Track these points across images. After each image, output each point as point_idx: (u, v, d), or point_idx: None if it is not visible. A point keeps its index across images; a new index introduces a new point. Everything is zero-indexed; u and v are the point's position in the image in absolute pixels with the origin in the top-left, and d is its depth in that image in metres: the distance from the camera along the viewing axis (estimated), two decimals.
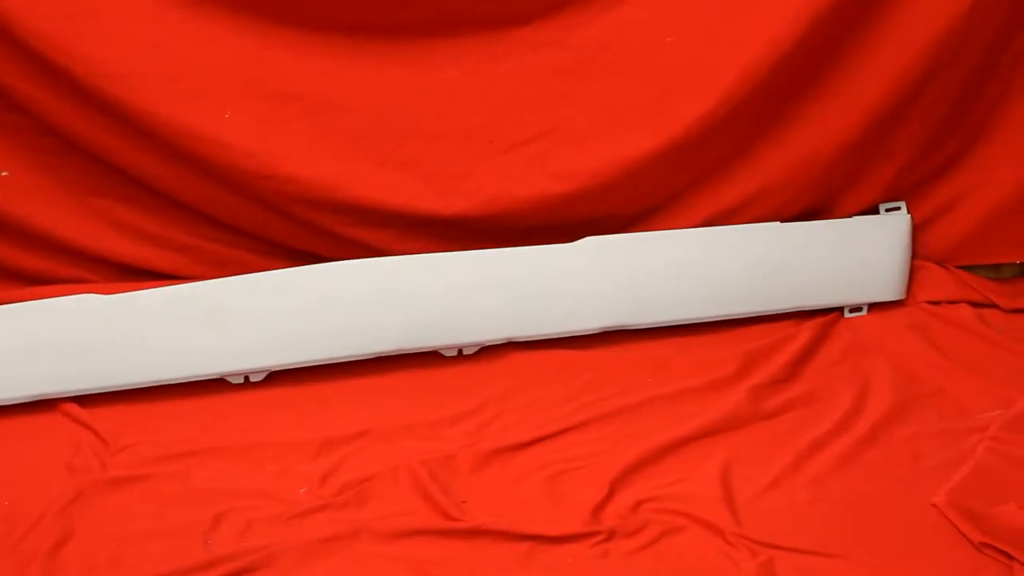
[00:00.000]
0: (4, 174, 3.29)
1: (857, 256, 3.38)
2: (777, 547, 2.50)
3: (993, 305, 3.46)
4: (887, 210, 3.47)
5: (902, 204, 3.48)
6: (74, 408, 2.99)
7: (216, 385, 3.09)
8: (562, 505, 2.66)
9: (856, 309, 3.42)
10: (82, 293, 3.05)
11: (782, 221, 3.39)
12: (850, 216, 3.47)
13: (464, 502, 2.67)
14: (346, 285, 3.11)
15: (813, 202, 3.48)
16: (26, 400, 2.98)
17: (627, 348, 3.23)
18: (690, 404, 3.00)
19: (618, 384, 3.08)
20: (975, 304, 3.46)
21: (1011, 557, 2.43)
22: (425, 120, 3.34)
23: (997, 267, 3.57)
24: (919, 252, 3.50)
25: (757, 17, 3.26)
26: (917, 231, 3.49)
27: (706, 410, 2.96)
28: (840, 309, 3.41)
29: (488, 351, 3.21)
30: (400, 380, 3.13)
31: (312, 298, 3.09)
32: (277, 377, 3.11)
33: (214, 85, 3.23)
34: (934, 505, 2.60)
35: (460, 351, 3.19)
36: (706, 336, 3.29)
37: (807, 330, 3.30)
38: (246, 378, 3.10)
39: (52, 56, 3.10)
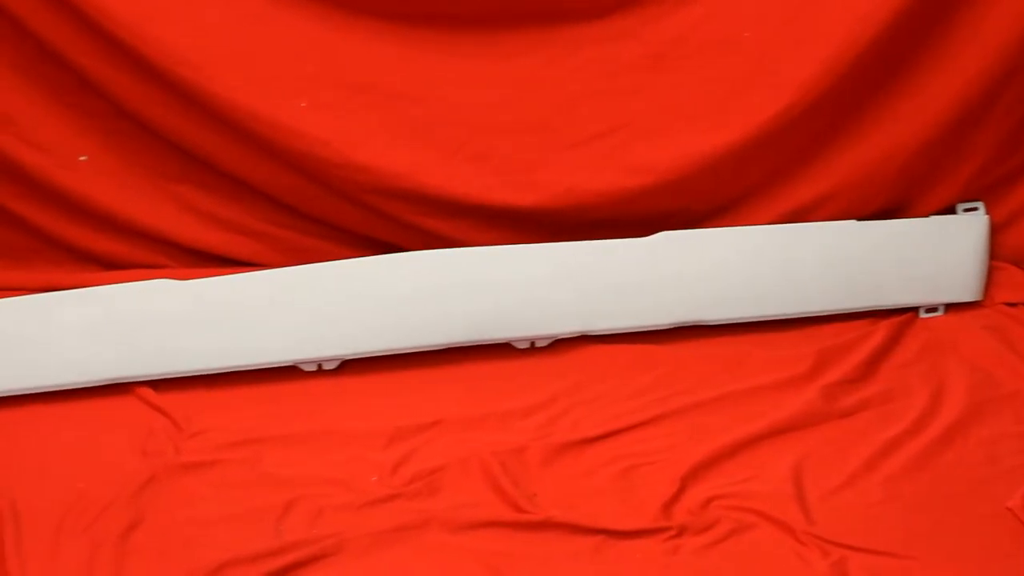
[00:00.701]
0: (83, 158, 3.31)
1: (934, 256, 3.34)
2: (849, 547, 2.49)
3: None
4: (965, 210, 3.44)
5: (980, 204, 3.45)
6: (148, 392, 3.01)
7: (289, 372, 3.09)
8: (632, 500, 2.66)
9: (932, 309, 3.39)
10: (157, 278, 3.06)
11: (858, 220, 3.37)
12: (927, 215, 3.44)
13: (534, 494, 2.67)
14: (420, 275, 3.10)
15: (890, 201, 3.46)
16: (101, 383, 3.00)
17: (700, 344, 3.21)
18: (763, 401, 2.98)
19: (691, 379, 3.07)
20: None
21: None
22: (498, 112, 3.33)
23: None
24: (997, 253, 3.46)
25: (835, 14, 3.24)
26: (995, 231, 3.45)
27: (779, 408, 2.94)
28: (916, 309, 3.38)
29: (561, 344, 3.20)
30: (472, 371, 3.13)
31: (386, 287, 3.09)
32: (350, 365, 3.12)
33: (290, 73, 3.24)
34: (1009, 509, 2.59)
35: (533, 343, 3.19)
36: (780, 333, 3.27)
37: (882, 329, 3.27)
38: (319, 366, 3.10)
39: (130, 41, 3.11)
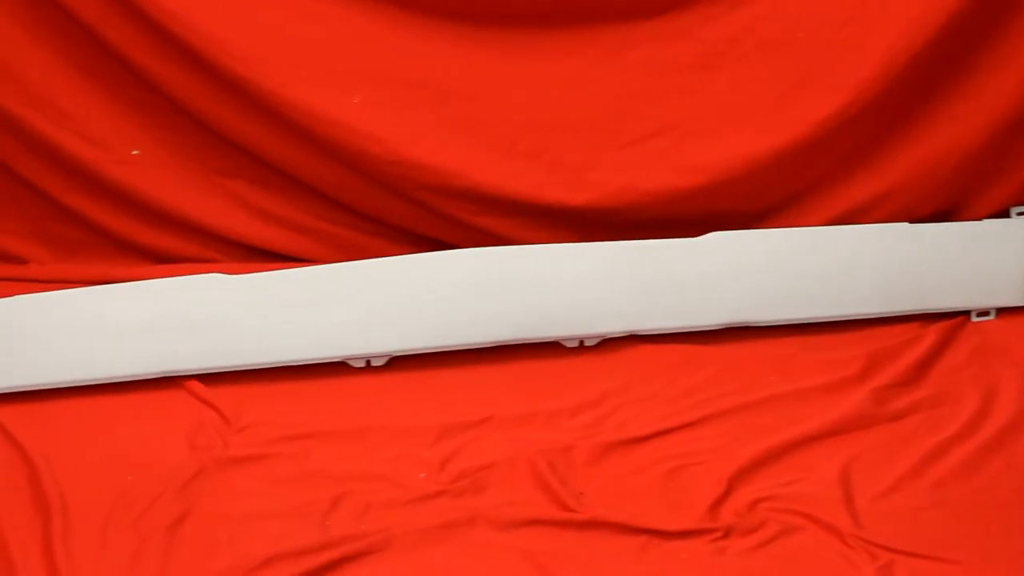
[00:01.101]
0: (135, 152, 3.33)
1: (986, 259, 3.32)
2: (896, 551, 2.49)
3: None
4: (1018, 213, 3.41)
5: None
6: (198, 386, 3.02)
7: (338, 368, 3.10)
8: (679, 500, 2.66)
9: (983, 313, 3.35)
10: (208, 272, 3.07)
11: (910, 222, 3.34)
12: (981, 218, 3.41)
13: (581, 493, 2.67)
14: (470, 273, 3.10)
15: (942, 203, 3.43)
16: (151, 376, 3.02)
17: (750, 345, 3.20)
18: (812, 403, 2.97)
19: (740, 380, 3.06)
20: None
21: None
22: (551, 110, 3.33)
23: None
24: None
25: (889, 16, 3.22)
26: None
27: (828, 410, 2.93)
28: (967, 313, 3.35)
29: (609, 343, 3.19)
30: (521, 370, 3.12)
31: (436, 284, 3.09)
32: (399, 362, 3.12)
33: (343, 69, 3.25)
34: None
35: (581, 342, 3.18)
36: (830, 336, 3.25)
37: (933, 333, 3.24)
38: (368, 362, 3.11)
39: (185, 37, 3.13)
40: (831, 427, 2.88)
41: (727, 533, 2.55)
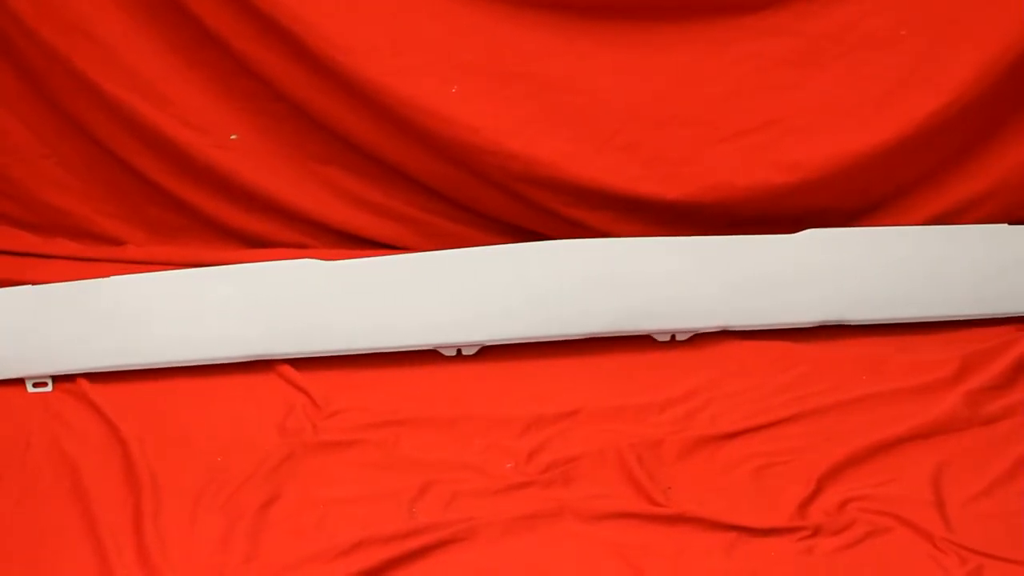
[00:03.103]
0: (233, 137, 3.36)
1: None
2: (987, 555, 2.46)
3: None
4: None
5: None
6: (289, 371, 3.04)
7: (428, 356, 3.11)
8: (768, 498, 2.64)
9: None
10: (302, 258, 3.09)
11: (1009, 223, 3.31)
12: None
13: (669, 488, 2.66)
14: (563, 264, 3.10)
15: None
16: (244, 359, 3.04)
17: (843, 344, 3.17)
18: (905, 405, 2.94)
19: (832, 379, 3.03)
20: None
21: None
22: (649, 103, 3.33)
23: None
24: None
25: (994, 14, 3.20)
26: None
27: (921, 412, 2.89)
28: None
29: (701, 338, 3.17)
30: (611, 362, 3.11)
31: (529, 275, 3.09)
32: (489, 352, 3.12)
33: (442, 59, 3.26)
34: None
35: (673, 336, 3.17)
36: (925, 336, 3.21)
37: None
38: (458, 351, 3.12)
39: (286, 24, 3.15)
40: (923, 429, 2.84)
41: (816, 532, 2.53)
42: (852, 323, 3.20)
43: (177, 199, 3.43)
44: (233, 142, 3.37)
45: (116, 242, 3.49)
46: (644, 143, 3.34)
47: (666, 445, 2.80)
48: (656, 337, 3.17)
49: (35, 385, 2.98)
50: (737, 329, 3.18)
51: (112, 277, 3.05)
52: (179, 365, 3.01)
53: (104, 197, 3.46)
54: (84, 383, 2.97)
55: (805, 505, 2.61)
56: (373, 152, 3.37)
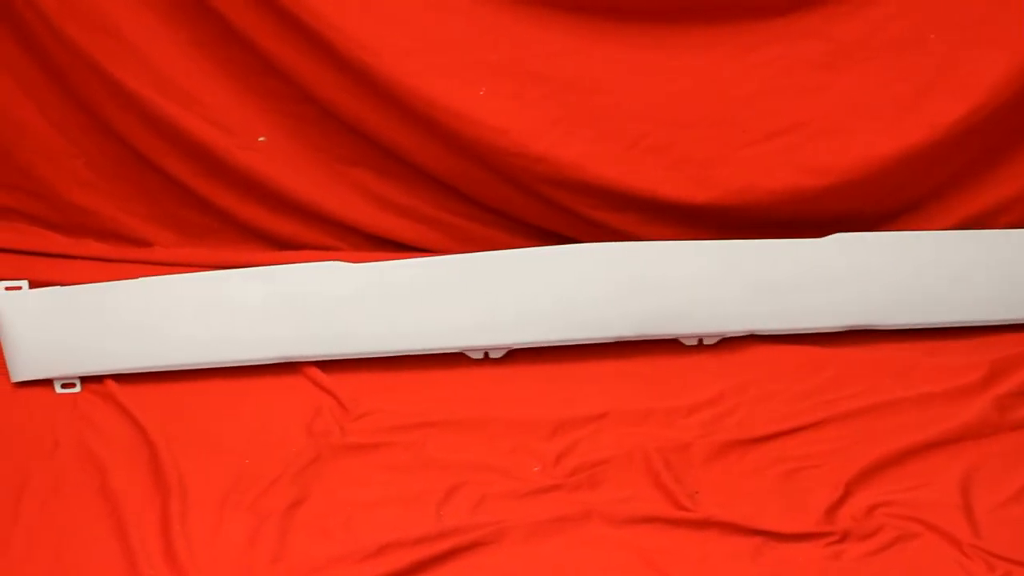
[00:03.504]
0: (261, 139, 3.36)
1: None
2: (1015, 561, 2.46)
3: None
4: None
5: None
6: (317, 372, 3.05)
7: (455, 359, 3.11)
8: (796, 502, 2.64)
9: None
10: (330, 260, 3.09)
11: None
12: None
13: (696, 492, 2.66)
14: (590, 268, 3.09)
15: None
16: (271, 361, 3.05)
17: (872, 348, 3.16)
18: (933, 409, 2.93)
19: (860, 384, 3.02)
20: None
21: None
22: (675, 106, 3.32)
23: None
24: None
25: (1022, 17, 3.18)
26: None
27: (950, 417, 2.89)
28: None
29: (729, 342, 3.17)
30: (639, 366, 3.11)
31: (556, 278, 3.08)
32: (516, 355, 3.12)
33: (469, 61, 3.26)
34: None
35: (701, 340, 3.16)
36: (954, 341, 3.20)
37: None
38: (486, 354, 3.12)
39: (313, 26, 3.15)
40: (952, 434, 2.84)
41: (843, 537, 2.53)
42: (880, 327, 3.19)
43: (205, 200, 3.43)
44: (261, 144, 3.37)
45: (144, 243, 3.49)
46: (671, 146, 3.33)
47: (693, 449, 2.80)
48: (683, 341, 3.17)
49: (63, 386, 2.99)
50: (764, 333, 3.17)
51: (140, 278, 3.06)
52: (206, 367, 3.02)
53: (132, 198, 3.46)
54: (112, 384, 2.99)
55: (833, 510, 2.61)
56: (400, 154, 3.37)
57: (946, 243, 3.24)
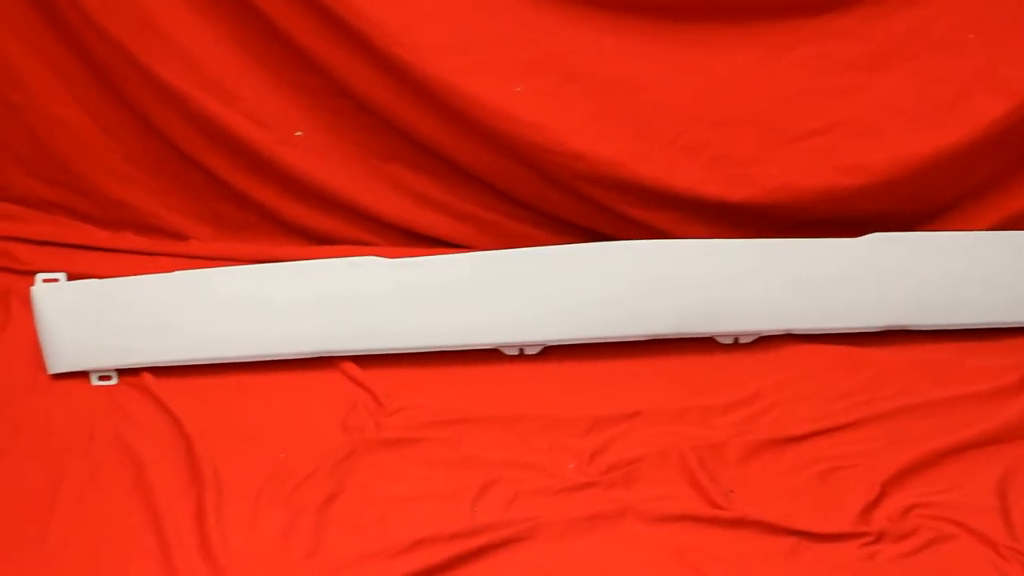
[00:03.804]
0: (298, 134, 3.37)
1: None
2: None
3: None
4: None
5: None
6: (353, 368, 3.05)
7: (491, 355, 3.11)
8: (831, 502, 2.63)
9: None
10: (366, 255, 3.09)
11: None
12: None
13: (731, 491, 2.66)
14: (626, 265, 3.09)
15: None
16: (307, 356, 3.05)
17: (908, 349, 3.15)
18: (970, 411, 2.92)
19: (897, 384, 3.01)
20: None
21: None
22: (713, 105, 3.32)
23: None
24: None
25: None
26: None
27: (986, 418, 2.87)
28: None
29: (765, 341, 3.17)
30: (674, 364, 3.11)
31: (592, 276, 3.08)
32: (552, 352, 3.12)
33: (506, 58, 3.26)
34: None
35: (736, 339, 3.16)
36: (990, 342, 3.19)
37: None
38: (521, 350, 3.12)
39: (352, 22, 3.16)
40: (989, 436, 2.82)
41: (879, 538, 2.53)
42: (917, 328, 3.18)
43: (242, 195, 3.45)
44: (298, 139, 3.38)
45: (181, 237, 3.51)
46: (708, 144, 3.33)
47: (728, 448, 2.80)
48: (719, 339, 3.16)
49: (100, 378, 3.00)
50: (800, 332, 3.16)
51: (177, 272, 3.07)
52: (243, 361, 3.03)
53: (170, 192, 3.48)
54: (148, 377, 3.00)
55: (868, 511, 2.60)
56: (437, 150, 3.38)
57: (984, 244, 3.22)
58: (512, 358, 3.12)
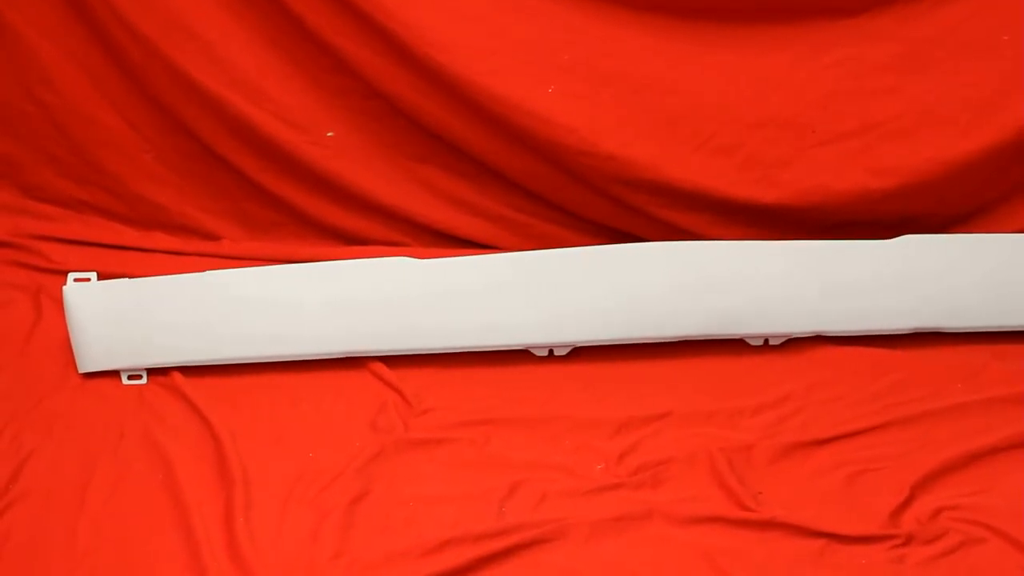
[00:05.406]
0: (330, 135, 3.38)
1: None
2: None
3: None
4: None
5: None
6: (382, 368, 3.05)
7: (520, 356, 3.11)
8: (859, 505, 2.62)
9: None
10: (397, 256, 3.09)
11: None
12: None
13: (760, 493, 2.65)
14: (657, 267, 3.08)
15: None
16: (337, 356, 3.05)
17: (939, 351, 3.13)
18: (1000, 414, 2.90)
19: (927, 387, 3.00)
20: None
21: None
22: (745, 106, 3.31)
23: None
24: None
25: None
26: None
27: (1017, 421, 2.86)
28: None
29: (795, 343, 3.15)
30: (704, 366, 3.10)
31: (622, 277, 3.07)
32: (581, 352, 3.12)
33: (539, 59, 3.26)
34: None
35: (766, 341, 3.15)
36: (1021, 345, 3.17)
37: None
38: (550, 351, 3.12)
39: (385, 23, 3.16)
40: (1019, 439, 2.80)
41: (907, 541, 2.51)
42: (948, 330, 3.17)
43: (273, 195, 3.45)
44: (329, 139, 3.38)
45: (212, 237, 3.52)
46: (741, 146, 3.32)
47: (757, 450, 2.79)
48: (749, 341, 3.15)
49: (130, 377, 3.01)
50: (831, 334, 3.15)
51: (207, 272, 3.08)
52: (272, 360, 3.04)
53: (201, 192, 3.49)
54: (178, 376, 3.00)
55: (897, 513, 2.59)
56: (469, 151, 3.38)
57: (1016, 246, 3.19)
58: (541, 359, 3.12)
